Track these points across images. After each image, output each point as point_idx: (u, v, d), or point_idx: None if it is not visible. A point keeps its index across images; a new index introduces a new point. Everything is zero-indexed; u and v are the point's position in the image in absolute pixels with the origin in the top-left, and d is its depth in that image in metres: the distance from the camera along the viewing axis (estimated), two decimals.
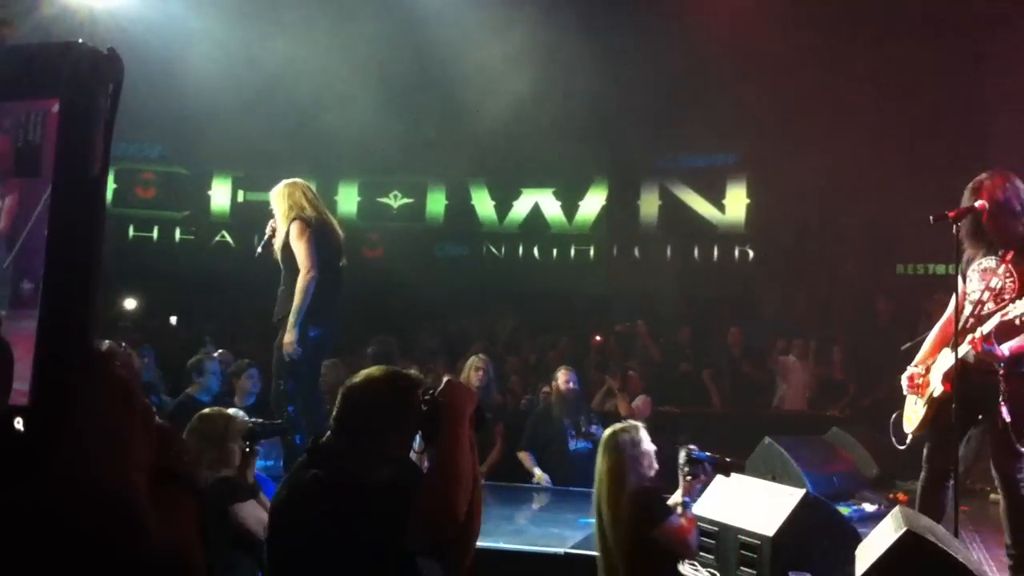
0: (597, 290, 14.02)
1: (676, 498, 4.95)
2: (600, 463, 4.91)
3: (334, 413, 3.14)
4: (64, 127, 1.43)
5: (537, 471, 8.24)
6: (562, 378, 8.61)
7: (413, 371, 8.32)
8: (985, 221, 5.04)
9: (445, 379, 3.22)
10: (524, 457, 8.44)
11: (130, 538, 1.29)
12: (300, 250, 6.30)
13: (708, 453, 5.04)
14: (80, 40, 1.46)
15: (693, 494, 4.99)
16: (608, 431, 5.04)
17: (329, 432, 3.15)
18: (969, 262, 5.21)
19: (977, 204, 5.08)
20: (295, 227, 6.36)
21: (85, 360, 1.33)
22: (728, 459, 5.11)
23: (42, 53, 1.48)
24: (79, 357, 1.32)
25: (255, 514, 4.37)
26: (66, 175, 1.40)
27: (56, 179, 1.40)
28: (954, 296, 5.26)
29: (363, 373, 3.24)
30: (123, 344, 7.97)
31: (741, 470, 5.14)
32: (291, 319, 6.23)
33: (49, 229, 1.37)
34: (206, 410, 4.76)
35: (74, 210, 1.38)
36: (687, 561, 5.45)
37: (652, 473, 4.95)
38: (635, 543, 4.75)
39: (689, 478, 4.94)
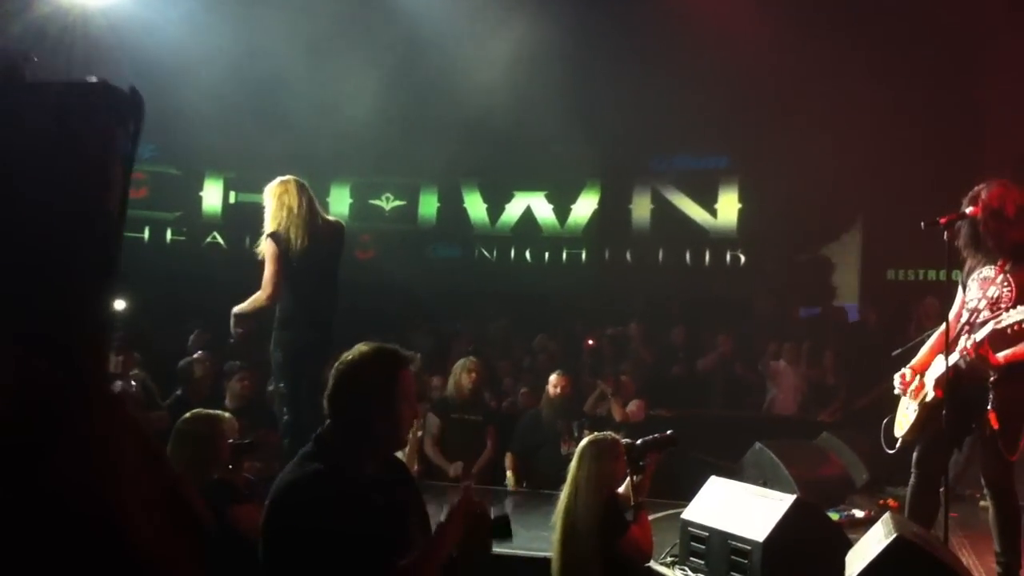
0: (589, 293, 14.02)
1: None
2: (579, 470, 4.91)
3: (327, 392, 3.25)
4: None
5: (508, 475, 8.39)
6: (554, 382, 8.62)
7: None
8: (982, 230, 5.09)
9: (448, 510, 3.29)
10: (510, 458, 8.46)
11: (105, 552, 1.31)
12: (266, 270, 6.32)
13: (641, 439, 5.06)
14: (101, 80, 1.47)
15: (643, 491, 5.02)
16: (588, 440, 5.06)
17: (328, 421, 3.26)
18: (970, 272, 5.26)
19: (968, 211, 5.12)
20: (267, 245, 6.36)
21: (97, 398, 1.35)
22: (668, 432, 5.13)
23: (64, 92, 1.50)
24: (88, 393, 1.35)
25: (251, 517, 4.37)
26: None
27: None
28: (955, 304, 5.30)
29: (354, 349, 3.34)
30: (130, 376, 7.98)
31: (675, 443, 5.13)
32: (240, 308, 6.31)
33: None
34: (191, 412, 4.75)
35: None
36: (677, 567, 5.47)
37: (620, 487, 5.01)
38: (605, 552, 4.78)
39: (637, 477, 4.97)
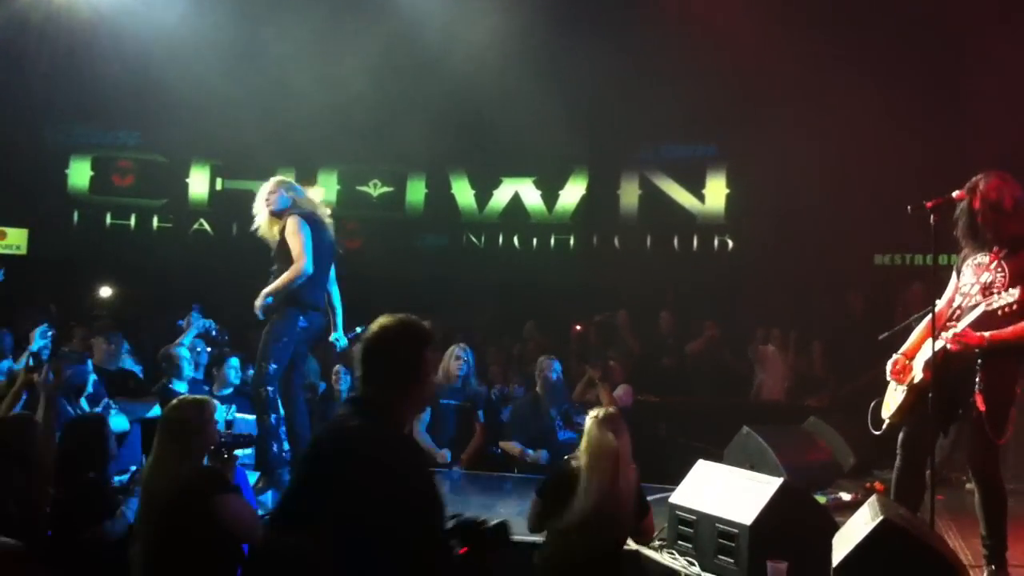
0: (577, 280, 14.02)
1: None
2: (613, 440, 4.88)
3: (367, 356, 3.34)
4: None
5: (530, 452, 8.28)
6: (546, 367, 8.60)
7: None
8: (980, 221, 5.16)
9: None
10: (510, 447, 8.42)
11: None
12: (296, 243, 6.49)
13: None
14: None
15: None
16: (608, 410, 5.06)
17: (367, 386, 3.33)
18: (965, 258, 5.32)
19: (955, 194, 5.16)
20: (292, 221, 6.52)
21: None
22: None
23: None
24: None
25: (236, 507, 4.37)
26: None
27: None
28: (947, 288, 5.35)
29: (386, 320, 3.44)
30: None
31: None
32: (267, 289, 6.49)
33: None
34: (177, 399, 4.74)
35: None
36: (665, 550, 5.50)
37: None
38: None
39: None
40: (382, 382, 3.27)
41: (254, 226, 6.91)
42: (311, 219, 6.67)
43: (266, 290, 6.50)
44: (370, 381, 3.30)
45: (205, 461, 4.62)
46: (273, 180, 6.92)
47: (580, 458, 5.00)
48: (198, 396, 4.87)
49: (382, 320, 3.42)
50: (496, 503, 7.25)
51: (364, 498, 3.00)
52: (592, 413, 5.15)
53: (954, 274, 5.38)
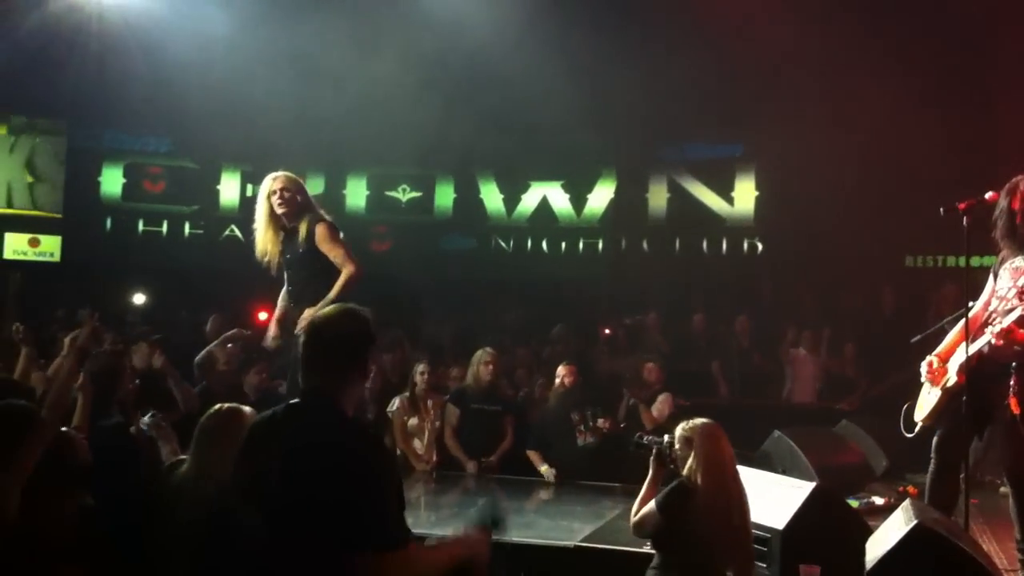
0: (606, 283, 14.01)
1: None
2: (727, 450, 4.58)
3: (313, 351, 3.20)
4: None
5: (543, 467, 8.22)
6: (564, 373, 8.57)
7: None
8: (1019, 222, 5.09)
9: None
10: (534, 456, 8.39)
11: None
12: (339, 250, 6.23)
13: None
14: None
15: None
16: (697, 423, 4.66)
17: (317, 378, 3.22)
18: (1002, 261, 5.24)
19: (988, 196, 5.11)
20: (323, 230, 6.27)
21: None
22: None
23: None
24: None
25: None
26: None
27: None
28: (984, 291, 5.29)
29: (332, 309, 3.37)
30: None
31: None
32: (334, 293, 6.07)
33: None
34: (215, 408, 4.75)
35: None
36: None
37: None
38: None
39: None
40: (337, 372, 3.18)
41: (260, 232, 6.61)
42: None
43: (329, 296, 6.00)
44: (327, 369, 3.19)
45: None
46: (285, 176, 6.56)
47: (694, 474, 4.51)
48: (234, 404, 4.88)
49: (337, 307, 3.38)
50: (524, 506, 7.25)
51: (316, 477, 2.97)
52: (690, 424, 4.67)
53: (991, 277, 5.30)
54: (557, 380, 8.64)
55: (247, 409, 4.69)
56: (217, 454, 4.40)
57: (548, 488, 7.95)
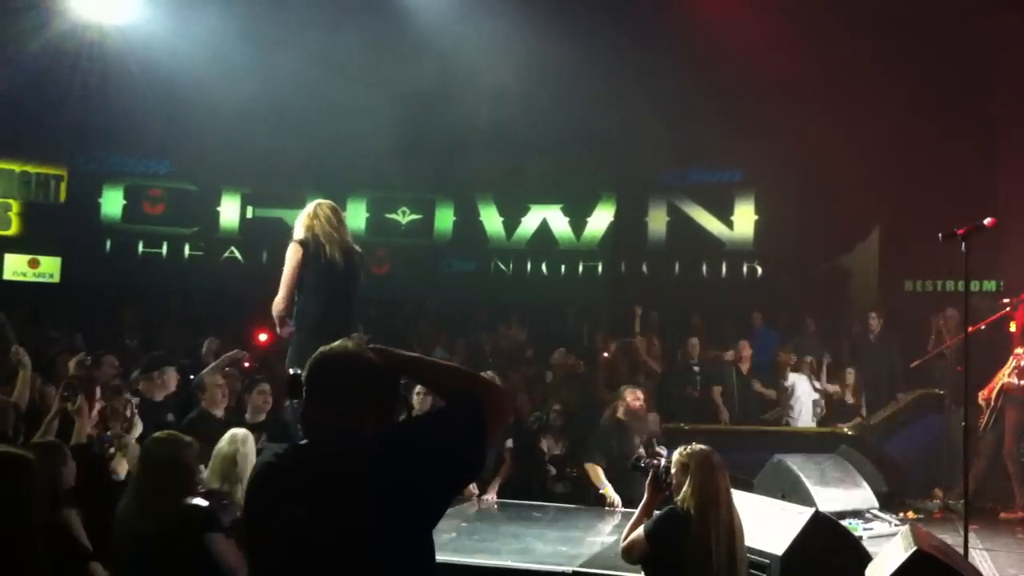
0: (605, 306, 14.00)
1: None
2: (722, 480, 4.49)
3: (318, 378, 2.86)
4: None
5: (609, 489, 7.86)
6: (631, 397, 8.37)
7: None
8: None
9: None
10: (594, 470, 8.06)
11: None
12: (284, 272, 6.20)
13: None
14: None
15: None
16: (694, 449, 4.58)
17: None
18: None
19: (986, 222, 5.11)
20: (292, 249, 6.26)
21: None
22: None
23: None
24: None
25: (220, 548, 4.33)
26: None
27: None
28: None
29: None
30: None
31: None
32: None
33: None
34: (162, 435, 4.67)
35: None
36: None
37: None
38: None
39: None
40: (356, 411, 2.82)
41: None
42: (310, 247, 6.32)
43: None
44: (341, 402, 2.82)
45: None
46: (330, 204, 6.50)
47: (687, 502, 4.44)
48: (175, 433, 4.79)
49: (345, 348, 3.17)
50: (522, 531, 7.17)
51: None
52: (687, 451, 4.59)
53: None
54: (625, 402, 8.39)
55: (187, 439, 4.59)
56: (167, 485, 4.36)
57: (545, 513, 7.84)
